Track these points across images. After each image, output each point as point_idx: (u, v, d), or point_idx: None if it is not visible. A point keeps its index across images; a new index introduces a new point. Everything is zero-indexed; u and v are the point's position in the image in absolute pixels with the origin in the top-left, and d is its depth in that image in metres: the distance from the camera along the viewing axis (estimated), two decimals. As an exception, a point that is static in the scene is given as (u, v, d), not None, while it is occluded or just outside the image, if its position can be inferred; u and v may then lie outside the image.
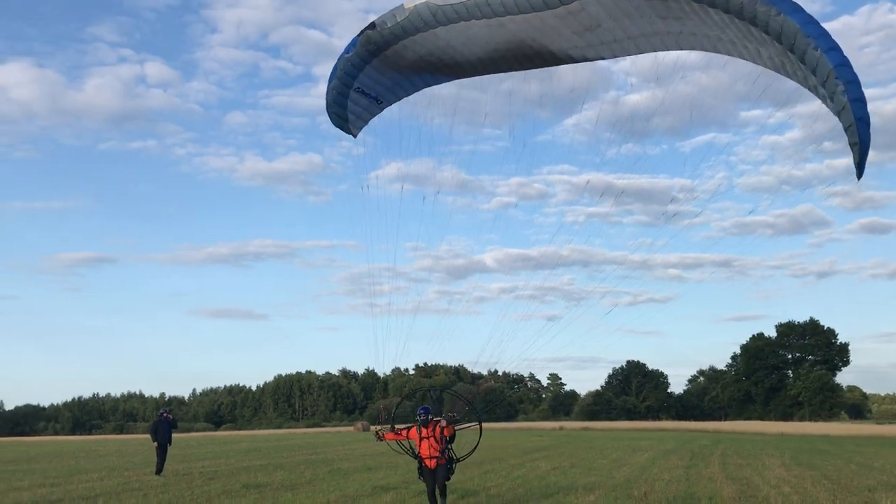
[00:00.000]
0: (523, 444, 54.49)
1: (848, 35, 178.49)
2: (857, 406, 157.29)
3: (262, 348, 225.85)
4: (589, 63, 14.77)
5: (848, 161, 11.65)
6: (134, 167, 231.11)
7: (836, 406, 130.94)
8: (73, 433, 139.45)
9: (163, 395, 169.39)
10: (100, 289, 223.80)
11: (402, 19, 14.20)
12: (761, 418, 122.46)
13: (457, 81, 16.22)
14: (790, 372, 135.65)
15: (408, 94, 16.49)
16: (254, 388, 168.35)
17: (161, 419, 30.26)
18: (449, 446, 15.71)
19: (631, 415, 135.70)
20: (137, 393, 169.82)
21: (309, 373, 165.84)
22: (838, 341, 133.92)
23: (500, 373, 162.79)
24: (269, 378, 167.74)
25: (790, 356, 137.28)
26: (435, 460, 15.55)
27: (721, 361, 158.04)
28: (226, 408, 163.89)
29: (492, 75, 15.93)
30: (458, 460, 16.00)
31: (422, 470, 15.76)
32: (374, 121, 16.85)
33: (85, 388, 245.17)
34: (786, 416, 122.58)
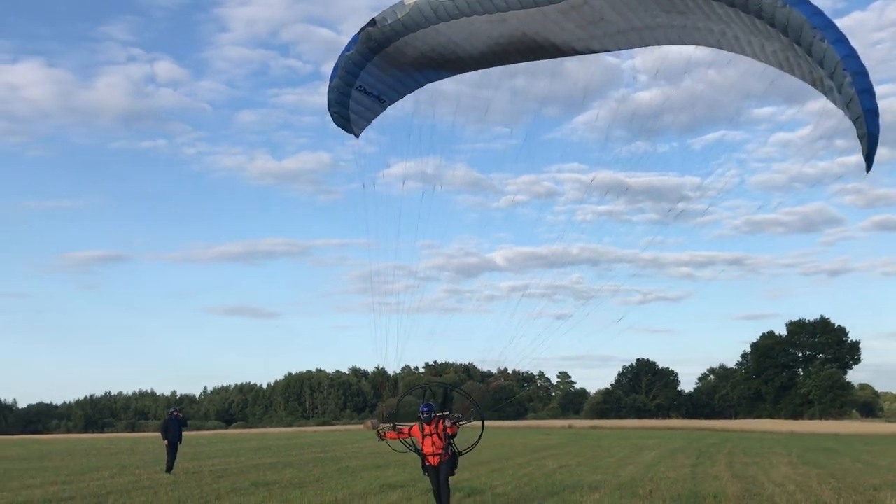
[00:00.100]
0: (531, 442, 54.67)
1: (860, 31, 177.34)
2: (868, 404, 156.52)
3: (273, 346, 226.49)
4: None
5: (860, 158, 11.52)
6: (145, 166, 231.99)
7: (847, 404, 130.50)
8: (85, 431, 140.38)
9: (174, 393, 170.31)
10: (112, 287, 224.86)
11: (403, 15, 14.05)
12: (771, 417, 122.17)
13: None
14: (800, 370, 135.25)
15: (410, 92, 16.31)
16: (264, 387, 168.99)
17: (171, 418, 30.60)
18: (451, 441, 15.67)
19: (641, 413, 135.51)
20: (149, 391, 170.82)
21: (319, 371, 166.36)
22: (849, 339, 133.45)
23: (509, 371, 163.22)
24: (280, 376, 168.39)
25: (800, 354, 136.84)
26: (438, 457, 15.51)
27: (731, 360, 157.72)
28: (237, 406, 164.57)
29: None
30: (461, 454, 15.98)
31: (425, 467, 15.73)
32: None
33: (97, 387, 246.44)
34: (796, 415, 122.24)
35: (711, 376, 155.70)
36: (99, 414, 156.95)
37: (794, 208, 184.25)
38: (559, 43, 14.19)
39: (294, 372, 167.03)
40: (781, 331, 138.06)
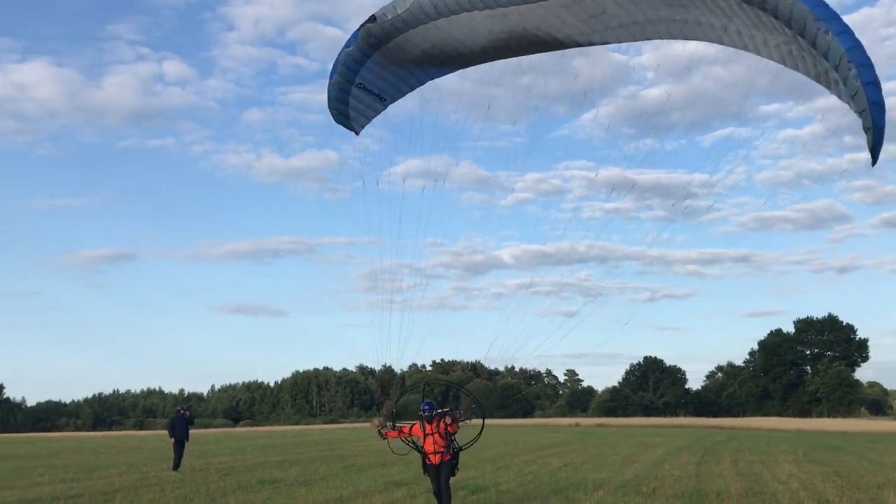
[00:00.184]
0: (537, 440, 54.77)
1: (869, 27, 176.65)
2: (877, 402, 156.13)
3: (280, 345, 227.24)
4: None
5: (868, 154, 11.38)
6: (153, 165, 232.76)
7: (856, 402, 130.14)
8: (93, 429, 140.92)
9: (182, 391, 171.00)
10: (120, 285, 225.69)
11: (403, 11, 13.96)
12: (779, 414, 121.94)
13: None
14: (808, 368, 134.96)
15: (412, 90, 16.15)
16: (272, 385, 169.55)
17: (178, 416, 30.79)
18: (452, 439, 15.56)
19: (648, 411, 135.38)
20: (157, 389, 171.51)
21: (326, 369, 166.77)
22: (857, 337, 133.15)
23: (517, 369, 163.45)
24: (287, 374, 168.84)
25: (808, 352, 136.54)
26: (439, 456, 15.38)
27: (739, 357, 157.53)
28: (244, 404, 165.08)
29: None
30: (461, 449, 15.89)
31: (426, 466, 15.64)
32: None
33: (105, 385, 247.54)
34: (804, 413, 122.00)
35: (719, 374, 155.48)
36: (107, 412, 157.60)
37: (803, 205, 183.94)
38: (561, 37, 14.14)
39: (301, 370, 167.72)
40: (789, 328, 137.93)
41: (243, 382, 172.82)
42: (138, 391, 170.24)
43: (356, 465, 31.60)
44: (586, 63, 15.38)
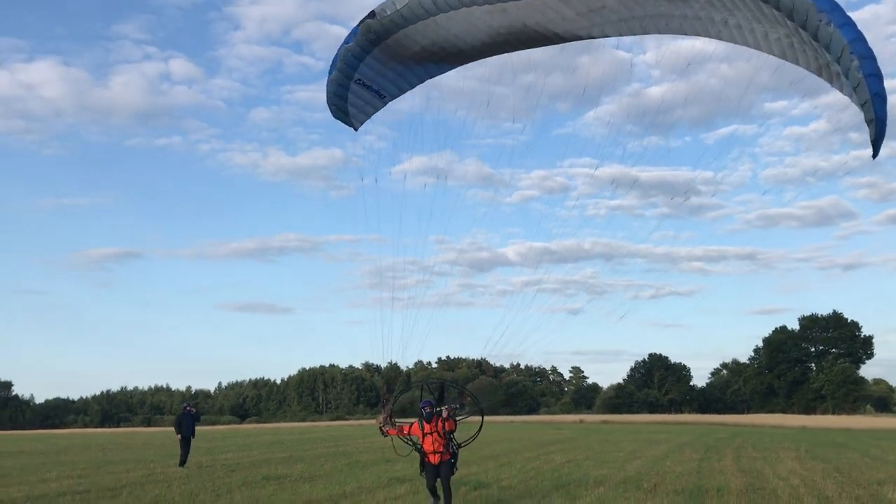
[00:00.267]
0: (541, 436, 54.95)
1: (874, 24, 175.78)
2: (883, 399, 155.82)
3: (286, 342, 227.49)
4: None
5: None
6: (160, 163, 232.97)
7: (861, 399, 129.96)
8: (101, 426, 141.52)
9: (189, 388, 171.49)
10: (127, 283, 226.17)
11: (402, 7, 13.96)
12: (784, 412, 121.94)
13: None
14: (813, 365, 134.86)
15: (411, 87, 16.11)
16: (278, 382, 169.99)
17: (185, 413, 31.11)
18: (452, 436, 15.55)
19: (653, 408, 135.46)
20: (164, 386, 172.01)
21: (332, 366, 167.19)
22: (862, 334, 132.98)
23: (522, 366, 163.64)
24: (294, 371, 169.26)
25: (813, 349, 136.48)
26: (439, 455, 15.36)
27: (744, 354, 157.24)
28: (251, 401, 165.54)
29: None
30: (460, 446, 15.88)
31: (424, 464, 15.61)
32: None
33: (113, 382, 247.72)
34: (808, 410, 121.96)
35: (724, 371, 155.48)
36: (115, 409, 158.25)
37: (809, 202, 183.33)
38: (560, 31, 14.15)
39: (307, 367, 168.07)
40: (794, 325, 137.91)
41: (250, 380, 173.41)
42: (146, 388, 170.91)
43: (360, 461, 31.86)
44: (590, 61, 15.40)
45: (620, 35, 14.14)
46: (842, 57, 10.74)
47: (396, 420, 16.19)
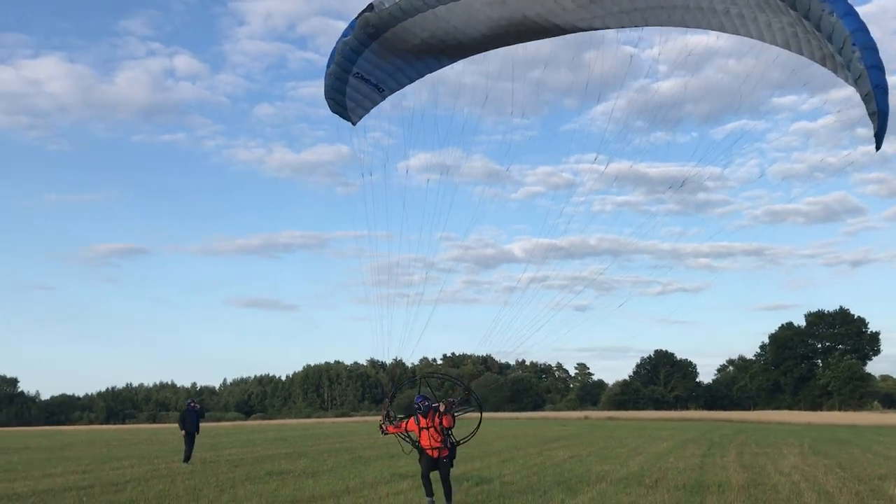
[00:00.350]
0: (546, 433, 55.01)
1: (882, 19, 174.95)
2: (890, 395, 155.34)
3: (291, 338, 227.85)
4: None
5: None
6: (165, 159, 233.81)
7: (867, 396, 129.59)
8: (107, 422, 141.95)
9: (194, 384, 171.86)
10: (133, 279, 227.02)
11: None
12: (790, 408, 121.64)
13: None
14: (819, 361, 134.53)
15: (411, 81, 15.97)
16: (283, 378, 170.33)
17: (189, 409, 31.30)
18: (449, 432, 15.45)
19: (659, 404, 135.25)
20: (170, 383, 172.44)
21: (338, 363, 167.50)
22: (869, 330, 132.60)
23: (527, 362, 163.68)
24: (299, 368, 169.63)
25: (820, 345, 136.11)
26: (436, 451, 15.29)
27: (750, 351, 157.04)
28: (256, 397, 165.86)
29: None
30: (459, 443, 15.78)
31: (421, 454, 15.54)
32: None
33: (119, 378, 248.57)
34: (815, 406, 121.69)
35: (730, 367, 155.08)
36: (120, 405, 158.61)
37: (816, 198, 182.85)
38: (561, 23, 14.05)
39: (313, 364, 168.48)
40: (801, 322, 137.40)
41: (255, 376, 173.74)
42: (151, 385, 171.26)
43: (364, 457, 31.95)
44: (597, 56, 15.31)
45: (622, 26, 14.00)
46: (843, 48, 10.70)
47: (399, 417, 16.09)
